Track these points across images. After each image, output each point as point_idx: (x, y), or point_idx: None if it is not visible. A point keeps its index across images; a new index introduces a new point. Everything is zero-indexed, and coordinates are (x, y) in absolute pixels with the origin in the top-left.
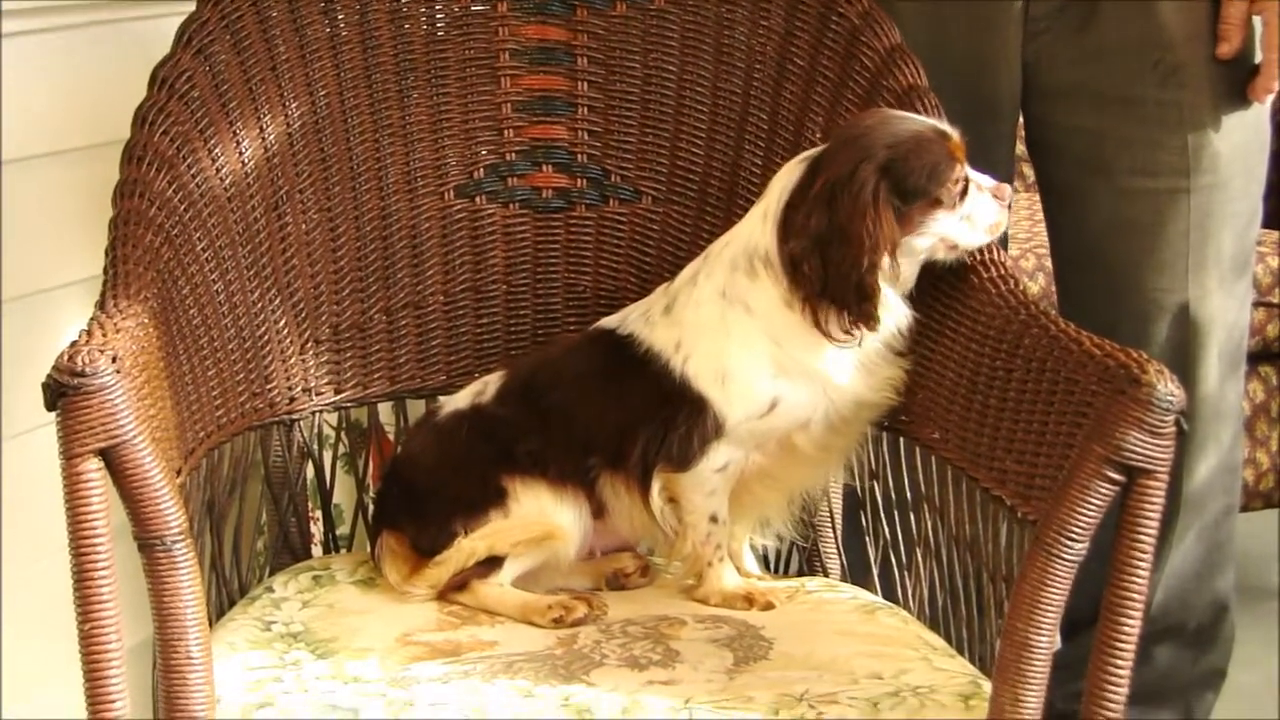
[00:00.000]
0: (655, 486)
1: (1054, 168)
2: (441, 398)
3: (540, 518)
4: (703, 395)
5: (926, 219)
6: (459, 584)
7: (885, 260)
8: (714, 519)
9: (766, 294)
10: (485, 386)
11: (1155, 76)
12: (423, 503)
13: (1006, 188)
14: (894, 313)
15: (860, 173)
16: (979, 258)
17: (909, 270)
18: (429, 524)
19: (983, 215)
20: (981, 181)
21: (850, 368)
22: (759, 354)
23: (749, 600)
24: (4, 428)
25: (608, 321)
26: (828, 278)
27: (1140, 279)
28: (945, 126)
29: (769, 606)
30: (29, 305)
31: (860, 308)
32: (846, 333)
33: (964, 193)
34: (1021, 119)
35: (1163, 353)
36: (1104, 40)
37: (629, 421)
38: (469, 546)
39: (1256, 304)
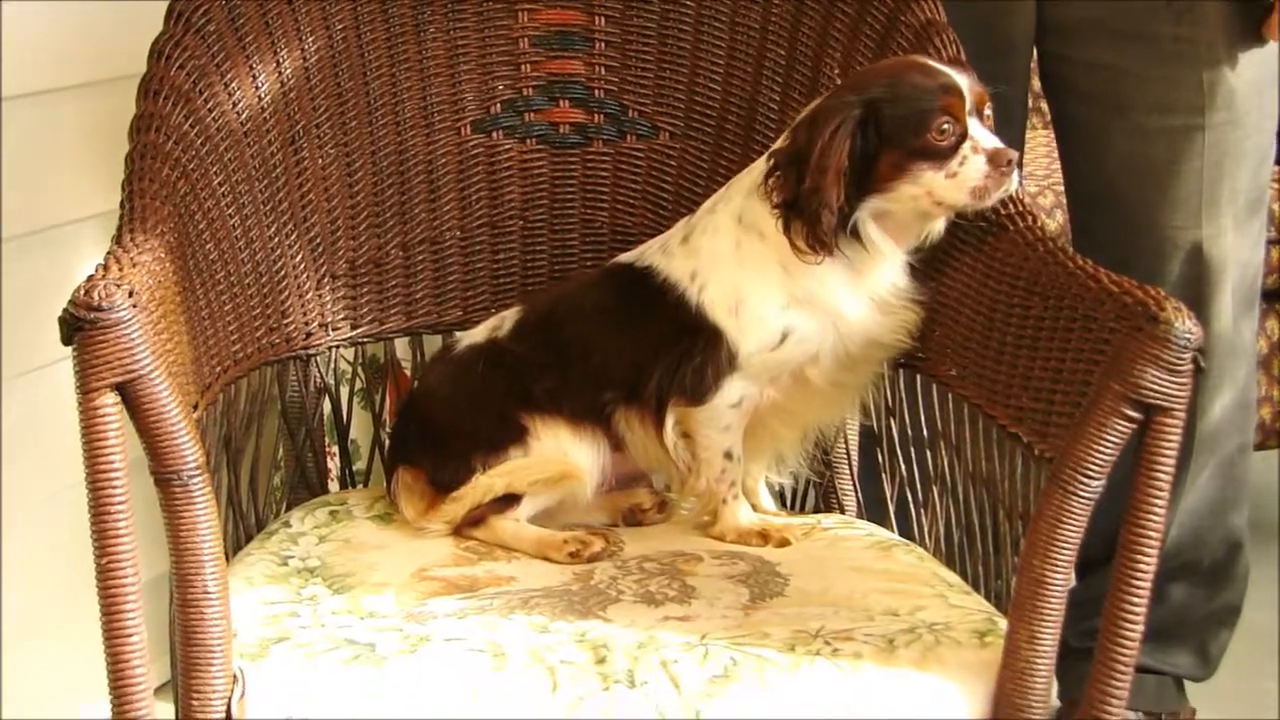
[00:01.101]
0: (669, 421)
1: (1069, 105)
2: (458, 333)
3: (559, 455)
4: (717, 326)
5: (910, 167)
6: (475, 519)
7: (832, 188)
8: (729, 455)
9: (769, 218)
10: (502, 322)
11: (1171, 13)
12: (440, 438)
13: (1011, 154)
14: (893, 263)
15: (841, 103)
16: None
17: (907, 218)
18: (447, 459)
19: (969, 175)
20: (982, 142)
21: (862, 304)
22: (771, 283)
23: (764, 537)
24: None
25: (625, 257)
26: (793, 193)
27: (1154, 217)
28: (957, 79)
29: (784, 543)
30: (30, 243)
31: (812, 229)
32: (808, 248)
33: (955, 148)
34: (1036, 56)
35: (1176, 290)
36: None
37: (645, 354)
38: (486, 483)
39: (1271, 242)
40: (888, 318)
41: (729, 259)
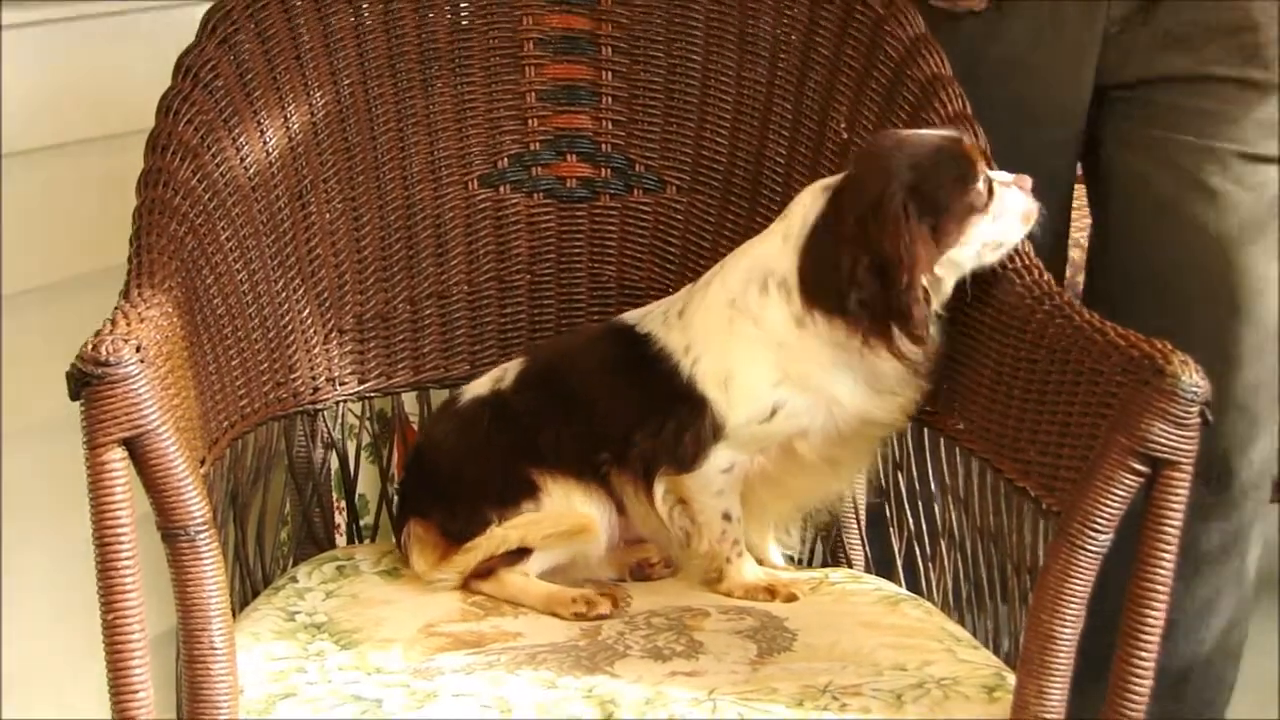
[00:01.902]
0: (659, 490)
1: (1118, 163)
2: (462, 385)
3: (572, 511)
4: (705, 396)
5: (964, 227)
6: (485, 571)
7: (924, 278)
8: (727, 516)
9: (776, 311)
10: (504, 373)
11: (1239, 58)
12: (449, 489)
13: (1026, 178)
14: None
15: (888, 197)
16: None
17: (951, 282)
18: (458, 509)
19: (1014, 207)
20: (1000, 178)
21: (858, 388)
22: (763, 361)
23: (771, 592)
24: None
25: (629, 316)
26: (877, 307)
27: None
28: (955, 132)
29: (792, 598)
30: (32, 299)
31: (908, 329)
32: (914, 343)
33: (990, 192)
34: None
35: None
36: (1184, 26)
37: (633, 419)
38: (501, 534)
39: None
40: (884, 398)
41: (721, 335)
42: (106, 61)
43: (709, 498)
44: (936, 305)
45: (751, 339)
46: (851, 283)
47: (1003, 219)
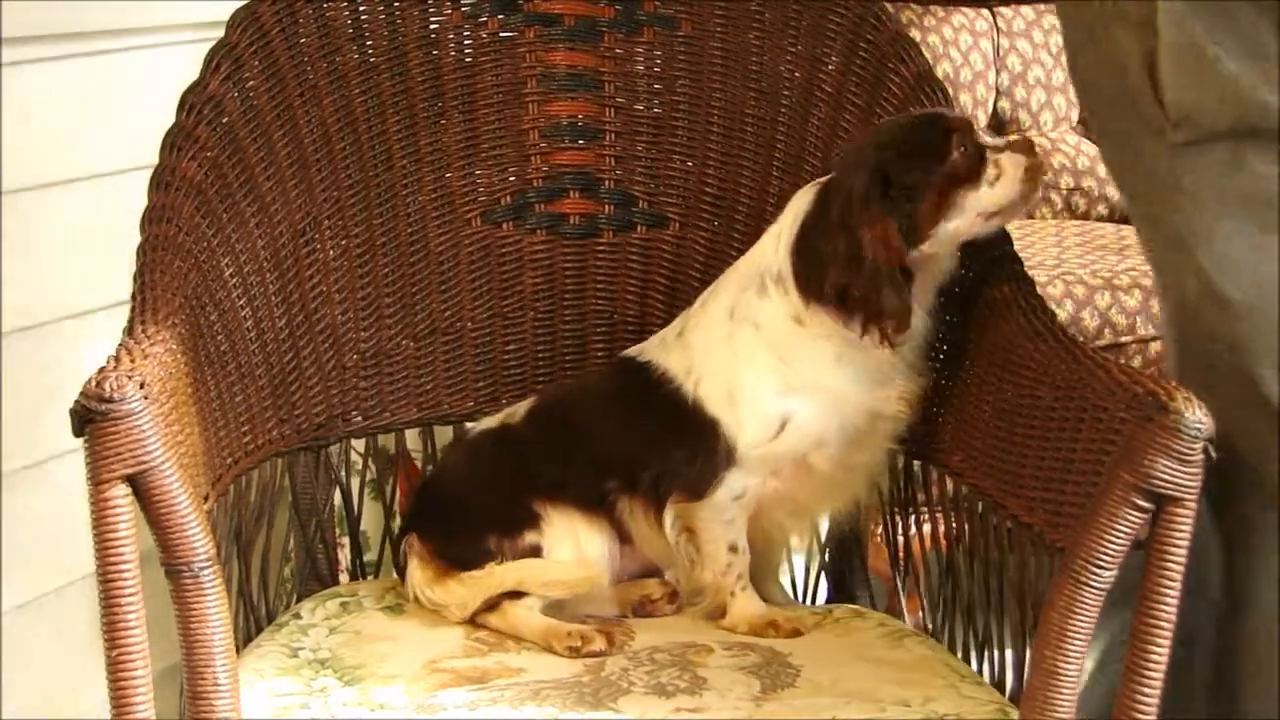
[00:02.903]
0: (669, 516)
1: None
2: (469, 424)
3: (576, 555)
4: (714, 418)
5: (949, 200)
6: (490, 604)
7: (889, 267)
8: (733, 549)
9: (775, 310)
10: (516, 410)
11: None
12: (453, 514)
13: (1025, 139)
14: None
15: (853, 186)
16: (1003, 273)
17: (947, 257)
18: (459, 535)
19: (1010, 169)
20: (992, 142)
21: (861, 381)
22: (765, 370)
23: (775, 627)
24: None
25: (631, 350)
26: (854, 297)
27: None
28: (939, 109)
29: (796, 633)
30: (31, 336)
31: (879, 321)
32: (896, 331)
33: (981, 159)
34: None
35: None
36: None
37: (642, 446)
38: (500, 576)
39: None
40: (885, 389)
41: (722, 350)
42: (109, 98)
43: (718, 526)
44: (930, 288)
45: (752, 347)
46: (831, 272)
47: (1000, 184)
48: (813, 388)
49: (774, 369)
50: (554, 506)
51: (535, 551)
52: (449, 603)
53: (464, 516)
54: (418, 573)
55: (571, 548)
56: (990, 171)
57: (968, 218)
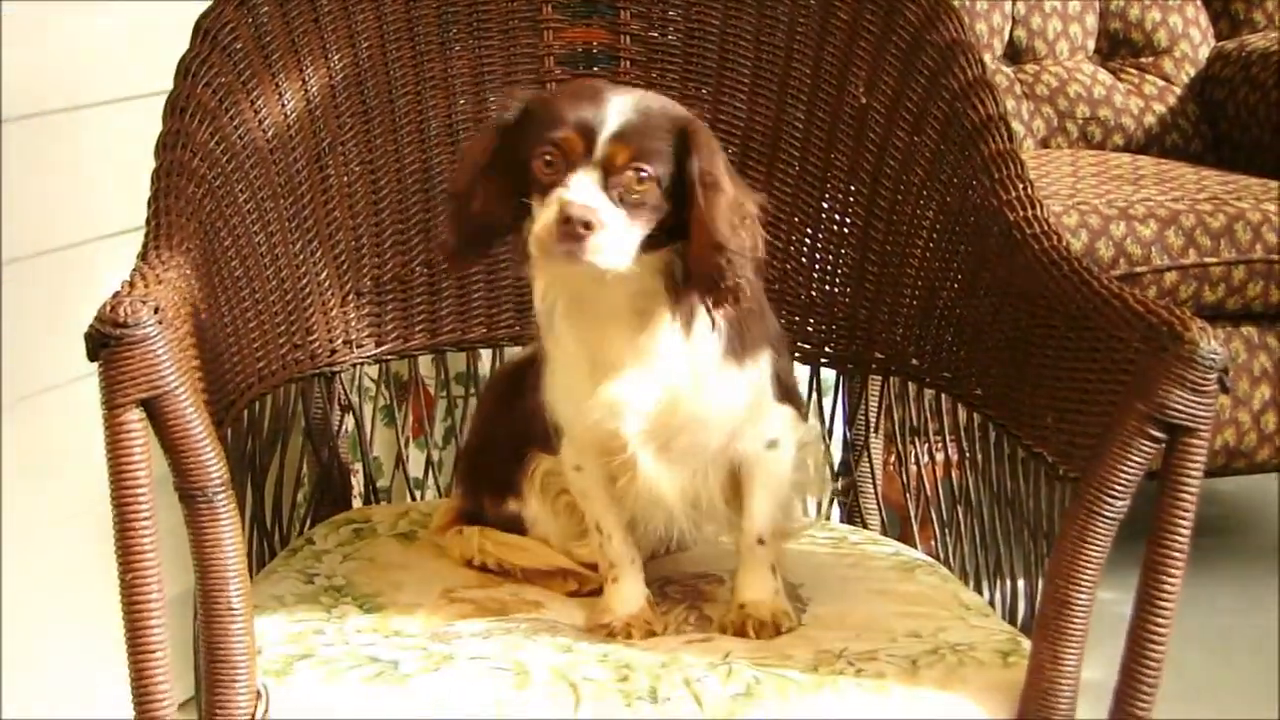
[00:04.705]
0: (540, 468)
1: None
2: (479, 348)
3: (552, 527)
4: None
5: (531, 199)
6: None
7: (458, 189)
8: (599, 529)
9: None
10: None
11: None
12: (464, 465)
13: (579, 211)
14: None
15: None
16: (1020, 214)
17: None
18: (464, 488)
19: (540, 218)
20: (567, 193)
21: (567, 375)
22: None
23: (627, 633)
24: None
25: None
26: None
27: None
28: (595, 118)
29: (650, 634)
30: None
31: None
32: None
33: (551, 189)
34: None
35: None
36: None
37: (537, 404)
38: (478, 547)
39: (1237, 262)
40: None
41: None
42: (122, 23)
43: (578, 497)
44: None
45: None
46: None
47: (536, 223)
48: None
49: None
50: (530, 471)
51: (517, 522)
52: (448, 548)
53: (468, 467)
54: (436, 517)
55: (548, 520)
56: (545, 203)
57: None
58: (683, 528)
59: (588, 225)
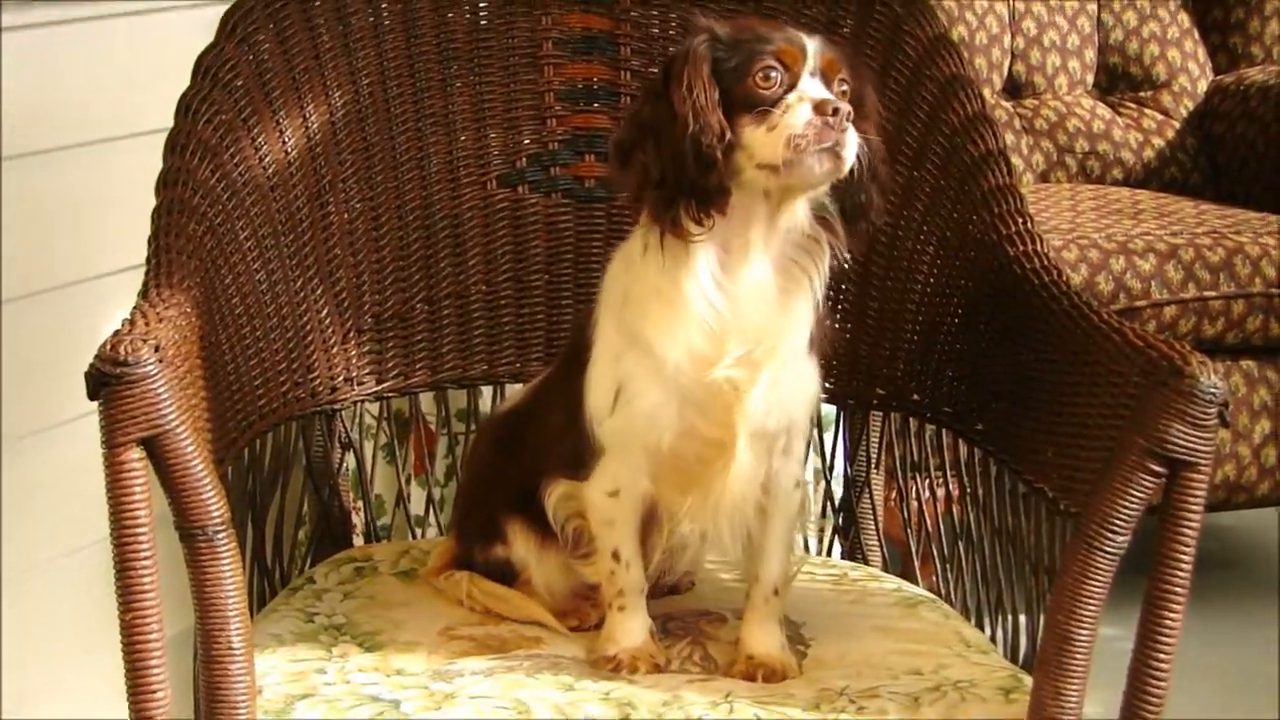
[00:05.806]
0: (552, 496)
1: None
2: (480, 386)
3: (538, 576)
4: (582, 384)
5: (734, 124)
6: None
7: (717, 124)
8: (615, 556)
9: (634, 242)
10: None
11: None
12: (458, 510)
13: (840, 104)
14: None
15: (681, 50)
16: (1020, 248)
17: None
18: (457, 530)
19: (787, 124)
20: (810, 92)
21: (681, 327)
22: (610, 323)
23: (651, 663)
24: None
25: None
26: (662, 160)
27: None
28: (806, 41)
29: (655, 670)
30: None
31: (703, 183)
32: (697, 221)
33: (779, 100)
34: None
35: None
36: None
37: (559, 429)
38: (466, 591)
39: (1236, 296)
40: (714, 344)
41: (602, 305)
42: (124, 61)
43: (598, 524)
44: (772, 225)
45: (612, 292)
46: (628, 133)
47: (773, 133)
48: (638, 340)
49: (617, 320)
50: (518, 521)
51: (504, 566)
52: (443, 590)
53: (458, 513)
54: (434, 559)
55: (535, 568)
56: (775, 114)
57: (745, 157)
58: (724, 551)
59: (836, 111)
